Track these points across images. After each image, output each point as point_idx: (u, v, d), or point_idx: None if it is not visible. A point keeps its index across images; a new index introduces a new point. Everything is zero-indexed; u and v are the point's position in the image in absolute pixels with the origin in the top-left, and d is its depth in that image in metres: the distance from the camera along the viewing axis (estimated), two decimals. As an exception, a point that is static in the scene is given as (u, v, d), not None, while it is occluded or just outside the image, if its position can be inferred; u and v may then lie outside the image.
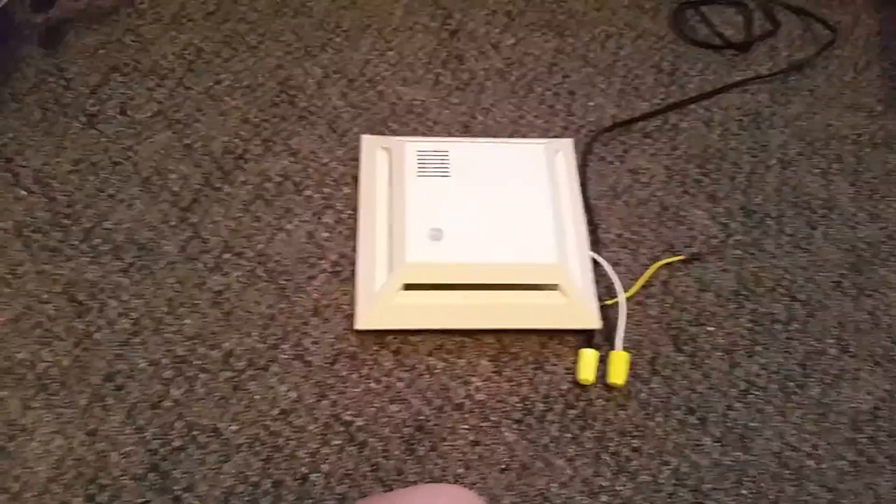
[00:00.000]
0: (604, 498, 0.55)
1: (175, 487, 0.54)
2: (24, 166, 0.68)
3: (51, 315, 0.60)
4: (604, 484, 0.56)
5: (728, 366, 0.61)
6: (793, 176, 0.72)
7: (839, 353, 0.62)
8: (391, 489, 0.55)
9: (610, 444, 0.57)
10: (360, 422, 0.57)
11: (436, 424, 0.57)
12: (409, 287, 0.59)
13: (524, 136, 0.72)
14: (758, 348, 0.62)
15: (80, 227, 0.65)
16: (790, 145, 0.74)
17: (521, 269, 0.59)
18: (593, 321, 0.60)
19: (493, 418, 0.58)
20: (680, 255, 0.65)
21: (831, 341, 0.63)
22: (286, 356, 0.60)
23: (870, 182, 0.72)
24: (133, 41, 0.77)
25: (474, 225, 0.60)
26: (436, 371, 0.60)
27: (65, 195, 0.66)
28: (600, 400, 0.59)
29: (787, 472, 0.57)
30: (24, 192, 0.66)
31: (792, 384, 0.61)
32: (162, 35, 0.78)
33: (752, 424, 0.58)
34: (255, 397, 0.58)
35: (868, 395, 0.60)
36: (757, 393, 0.60)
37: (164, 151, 0.70)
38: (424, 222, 0.60)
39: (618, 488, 0.55)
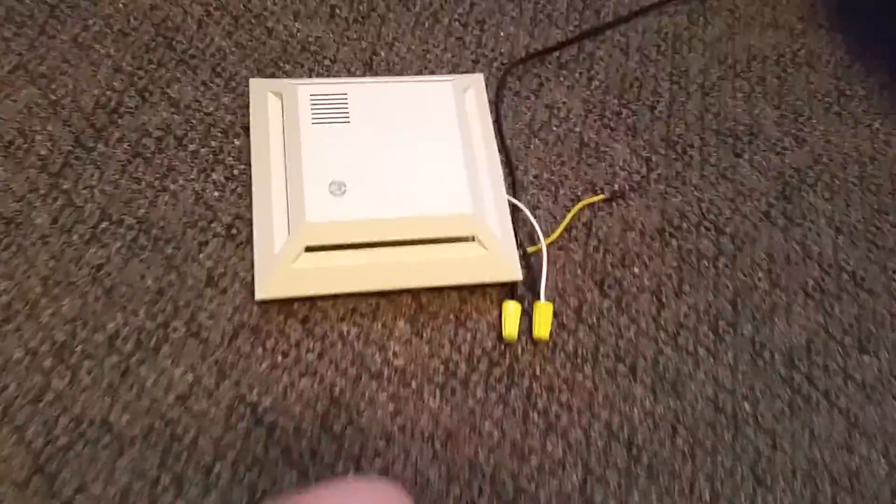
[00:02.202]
0: (534, 460, 0.52)
1: (64, 490, 0.48)
2: None
3: None
4: (533, 444, 0.52)
5: (656, 309, 0.58)
6: (715, 102, 0.68)
7: (770, 288, 0.60)
8: (306, 474, 0.50)
9: (538, 401, 0.54)
10: (267, 401, 0.52)
11: (351, 397, 0.53)
12: (311, 249, 0.54)
13: (432, 73, 0.66)
14: (686, 287, 0.59)
15: (-72, 204, 0.57)
16: (711, 69, 0.70)
17: (434, 221, 0.54)
18: (515, 273, 0.56)
19: (413, 385, 0.54)
20: (602, 194, 0.62)
21: (761, 275, 0.60)
22: (179, 334, 0.54)
23: (794, 105, 0.69)
24: (-23, -18, 0.67)
25: (379, 175, 0.55)
26: (349, 338, 0.55)
27: None
28: (526, 355, 0.55)
29: (723, 417, 0.55)
30: None
31: (723, 323, 0.58)
32: (12, -26, 0.68)
33: (684, 369, 0.56)
34: (148, 383, 0.52)
35: (801, 329, 0.58)
36: (687, 335, 0.57)
37: (27, 110, 0.61)
38: (324, 175, 0.54)
39: (549, 448, 0.52)
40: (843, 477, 0.53)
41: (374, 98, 0.58)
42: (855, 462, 0.54)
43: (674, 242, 0.61)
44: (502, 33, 0.70)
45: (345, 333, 0.55)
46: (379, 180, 0.54)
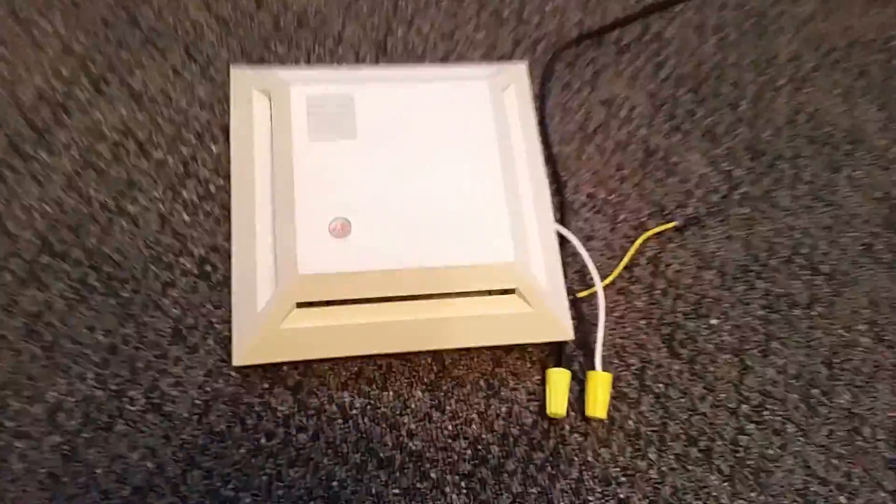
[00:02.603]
0: (585, 576, 0.41)
1: None
2: None
3: None
4: (584, 555, 0.42)
5: (738, 373, 0.46)
6: (807, 100, 0.55)
7: (873, 344, 0.48)
8: (297, 592, 0.40)
9: (591, 497, 0.43)
10: (246, 498, 0.41)
11: (354, 492, 0.42)
12: (304, 305, 0.42)
13: (463, 58, 0.53)
14: (774, 345, 0.47)
15: None
16: (804, 57, 0.57)
17: (465, 273, 0.42)
18: (564, 332, 0.44)
19: (432, 475, 0.43)
20: (672, 220, 0.49)
21: (863, 328, 0.49)
22: (137, 407, 0.42)
23: (905, 103, 0.56)
24: None
25: (393, 210, 0.42)
26: (353, 412, 0.43)
27: None
28: (575, 435, 0.44)
29: (816, 514, 0.44)
30: None
31: (817, 391, 0.47)
32: (-71, -77, 0.54)
33: (770, 452, 0.45)
34: (96, 471, 0.41)
35: (918, 408, 0.47)
36: (773, 408, 0.46)
37: (-56, 103, 0.48)
38: (322, 210, 0.42)
39: (603, 560, 0.42)
40: None
41: (388, 103, 0.45)
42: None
43: (760, 284, 0.49)
44: (549, 5, 0.56)
45: (346, 406, 0.44)
46: (392, 217, 0.42)
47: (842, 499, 0.44)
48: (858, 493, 0.44)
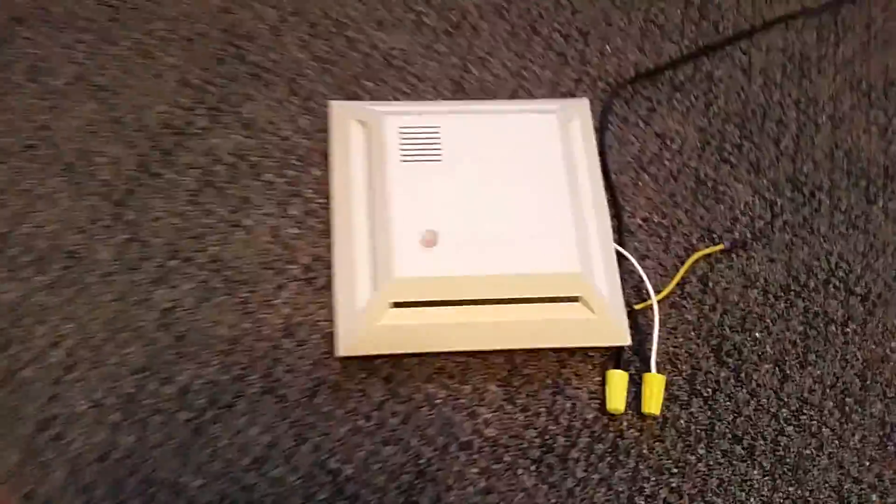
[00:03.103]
0: (639, 552, 0.47)
1: (130, 564, 0.45)
2: (-89, 154, 0.55)
3: (-40, 350, 0.49)
4: (639, 534, 0.47)
5: (778, 381, 0.52)
6: (846, 137, 0.61)
7: (905, 359, 0.53)
8: (389, 555, 0.46)
9: (645, 484, 0.49)
10: (349, 470, 0.48)
11: (439, 469, 0.48)
12: (398, 305, 0.49)
13: (530, 94, 0.60)
14: (811, 357, 0.53)
15: (-12, 234, 0.53)
16: (843, 97, 0.62)
17: (536, 280, 0.48)
18: (623, 338, 0.50)
19: (506, 458, 0.49)
20: (720, 243, 0.55)
21: (894, 345, 0.54)
22: (255, 390, 0.49)
23: (936, 140, 0.61)
24: (38, -18, 0.62)
25: (475, 224, 0.49)
26: (437, 401, 0.50)
27: (-34, 192, 0.54)
28: (632, 430, 0.50)
29: (848, 508, 0.49)
30: (-86, 190, 0.54)
31: (850, 400, 0.52)
32: (75, -27, 0.62)
33: (807, 452, 0.50)
34: (221, 443, 0.48)
35: (943, 415, 0.52)
36: (811, 413, 0.51)
37: (87, 128, 0.56)
38: (414, 224, 0.49)
39: (655, 539, 0.47)
40: None
41: (469, 132, 0.52)
42: None
43: (800, 303, 0.54)
44: (608, 47, 0.62)
45: (432, 396, 0.50)
46: (474, 229, 0.49)
47: (874, 497, 0.49)
48: (889, 492, 0.50)
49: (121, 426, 0.48)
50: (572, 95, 0.60)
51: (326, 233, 0.54)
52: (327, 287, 0.52)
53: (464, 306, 0.49)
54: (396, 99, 0.59)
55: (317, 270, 0.53)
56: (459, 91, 0.60)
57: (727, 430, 0.50)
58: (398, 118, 0.52)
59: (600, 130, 0.58)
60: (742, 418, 0.51)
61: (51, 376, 0.49)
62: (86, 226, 0.53)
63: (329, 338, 0.51)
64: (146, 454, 0.47)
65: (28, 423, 0.48)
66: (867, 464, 0.50)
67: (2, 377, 0.49)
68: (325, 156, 0.56)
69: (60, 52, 0.59)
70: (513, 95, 0.60)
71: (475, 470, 0.48)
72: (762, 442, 0.50)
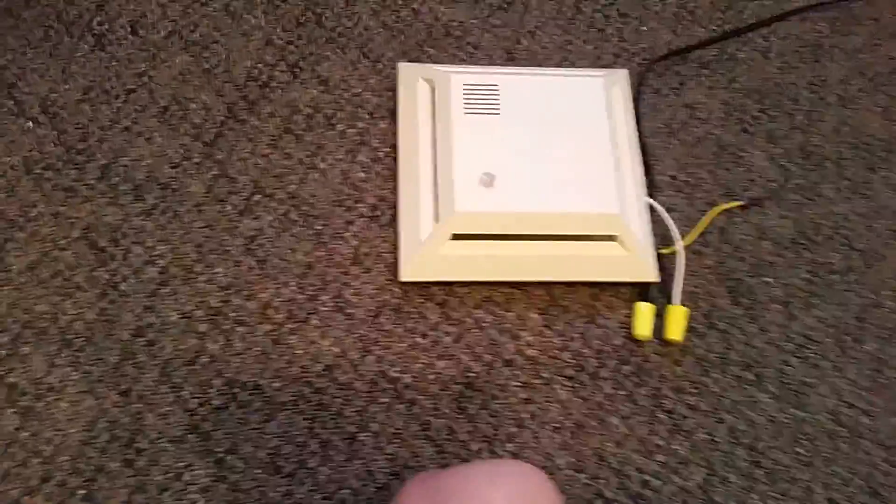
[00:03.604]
0: (660, 457, 0.54)
1: (217, 449, 0.52)
2: (28, 93, 0.62)
3: (70, 263, 0.56)
4: (659, 443, 0.54)
5: (785, 319, 0.59)
6: (853, 115, 0.68)
7: (897, 307, 0.60)
8: (443, 450, 0.53)
9: (665, 401, 0.55)
10: (407, 378, 0.55)
11: (486, 381, 0.55)
12: (457, 237, 0.56)
13: (573, 65, 0.67)
14: (814, 300, 0.60)
15: (95, 164, 0.60)
16: (851, 80, 0.69)
17: (580, 219, 0.55)
18: (651, 274, 0.57)
19: (544, 375, 0.56)
20: (738, 200, 0.62)
21: (888, 293, 0.61)
22: (327, 308, 0.56)
23: (933, 121, 0.68)
24: (139, -52, 0.69)
25: (528, 169, 0.56)
26: (484, 325, 0.57)
27: (77, 128, 0.61)
28: (655, 356, 0.57)
29: (843, 429, 0.56)
30: (30, 124, 0.61)
31: (848, 338, 0.59)
32: (170, -58, 0.70)
33: (808, 380, 0.57)
34: (297, 352, 0.55)
35: (930, 354, 0.59)
36: (813, 348, 0.58)
37: (181, 77, 0.64)
38: (474, 166, 0.56)
39: (674, 447, 0.54)
40: (962, 502, 0.54)
41: (524, 90, 0.59)
42: (975, 488, 0.55)
43: (806, 254, 0.61)
44: (644, 28, 0.70)
45: (480, 320, 0.57)
46: (527, 174, 0.56)
47: (865, 419, 0.56)
48: (878, 417, 0.56)
49: (208, 334, 0.55)
50: (611, 67, 0.67)
51: (391, 178, 0.61)
52: (391, 224, 0.59)
53: (514, 241, 0.56)
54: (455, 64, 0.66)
55: (382, 210, 0.60)
56: (511, 60, 0.67)
57: (739, 359, 0.57)
58: (463, 76, 0.59)
59: (636, 99, 0.65)
60: (753, 349, 0.57)
61: (146, 290, 0.56)
62: (179, 162, 0.60)
63: (391, 268, 0.58)
64: (230, 360, 0.54)
65: (125, 329, 0.55)
66: (861, 393, 0.57)
67: (103, 288, 0.56)
68: (391, 112, 0.64)
69: (157, 9, 0.66)
70: (559, 65, 0.67)
71: (516, 384, 0.55)
72: (769, 370, 0.57)
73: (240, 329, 0.55)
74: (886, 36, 0.72)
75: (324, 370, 0.54)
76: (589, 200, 0.55)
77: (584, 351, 0.57)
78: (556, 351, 0.56)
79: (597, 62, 0.67)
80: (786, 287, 0.60)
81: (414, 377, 0.55)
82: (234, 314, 0.56)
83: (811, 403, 0.56)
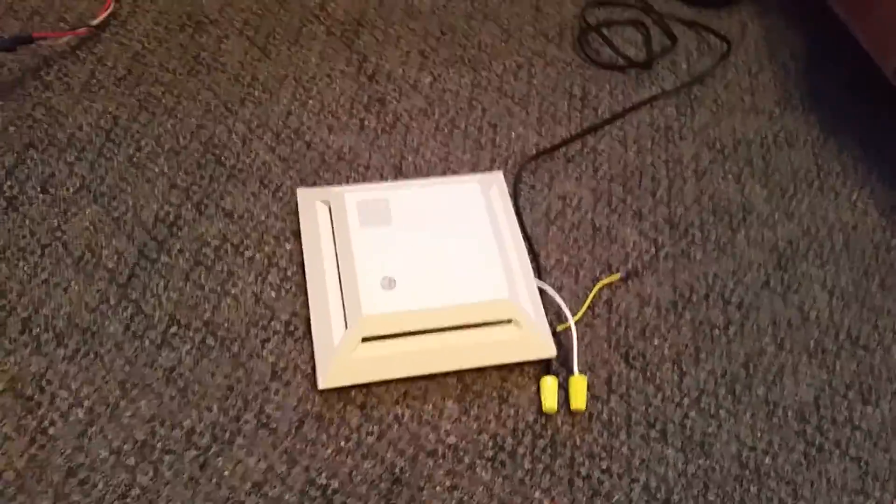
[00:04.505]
0: (582, 521, 0.57)
1: (155, 579, 0.52)
2: (-59, 261, 0.65)
3: (-5, 416, 0.58)
4: (580, 508, 0.58)
5: (678, 376, 0.64)
6: (709, 185, 0.76)
7: (777, 351, 0.66)
8: (377, 545, 0.55)
9: (581, 468, 0.59)
10: (335, 484, 0.57)
11: (411, 475, 0.58)
12: (367, 339, 0.60)
13: (455, 173, 0.74)
14: (702, 355, 0.66)
15: (16, 318, 0.62)
16: (702, 155, 0.78)
17: (476, 308, 0.60)
18: (549, 350, 0.62)
19: (466, 460, 0.59)
20: (618, 273, 0.68)
21: (768, 340, 0.67)
22: (250, 426, 0.59)
23: (780, 182, 0.77)
24: (44, 115, 0.74)
25: (424, 269, 0.61)
26: (404, 420, 0.60)
27: (-8, 287, 0.63)
28: (566, 426, 0.61)
29: (748, 471, 0.60)
30: (-54, 289, 0.63)
31: (739, 386, 0.64)
32: (74, 106, 0.75)
33: (709, 430, 0.62)
34: (225, 473, 0.57)
35: (808, 387, 0.65)
36: (707, 399, 0.63)
37: (93, 227, 0.67)
38: (375, 272, 0.60)
39: (594, 510, 0.58)
40: (860, 520, 0.59)
41: (412, 200, 0.65)
42: (870, 505, 0.60)
43: (687, 314, 0.67)
44: (513, 134, 0.78)
45: (400, 416, 0.60)
46: (424, 274, 0.61)
47: (767, 459, 0.61)
48: (779, 454, 0.61)
49: (137, 467, 0.57)
50: (489, 171, 0.74)
51: (302, 293, 0.65)
52: (305, 336, 0.63)
53: (420, 336, 0.60)
54: (349, 184, 0.72)
55: (295, 324, 0.64)
56: (399, 175, 0.73)
57: (642, 419, 0.62)
58: (355, 194, 0.65)
59: (515, 196, 0.72)
60: (653, 408, 0.62)
61: (74, 431, 0.58)
62: (96, 306, 0.63)
63: (310, 378, 0.61)
64: (161, 489, 0.56)
65: (57, 472, 0.56)
66: (759, 434, 0.62)
67: (33, 435, 0.57)
68: (295, 233, 0.68)
69: (65, 168, 0.70)
70: (442, 174, 0.73)
71: (441, 472, 0.58)
72: (672, 426, 0.62)
73: (167, 458, 0.57)
74: (727, 113, 0.82)
75: (252, 487, 0.56)
76: (482, 290, 0.60)
77: (500, 431, 0.60)
78: (475, 435, 0.60)
79: (476, 168, 0.74)
80: (673, 346, 0.66)
81: (341, 481, 0.57)
82: (160, 444, 0.58)
83: (715, 452, 0.61)
